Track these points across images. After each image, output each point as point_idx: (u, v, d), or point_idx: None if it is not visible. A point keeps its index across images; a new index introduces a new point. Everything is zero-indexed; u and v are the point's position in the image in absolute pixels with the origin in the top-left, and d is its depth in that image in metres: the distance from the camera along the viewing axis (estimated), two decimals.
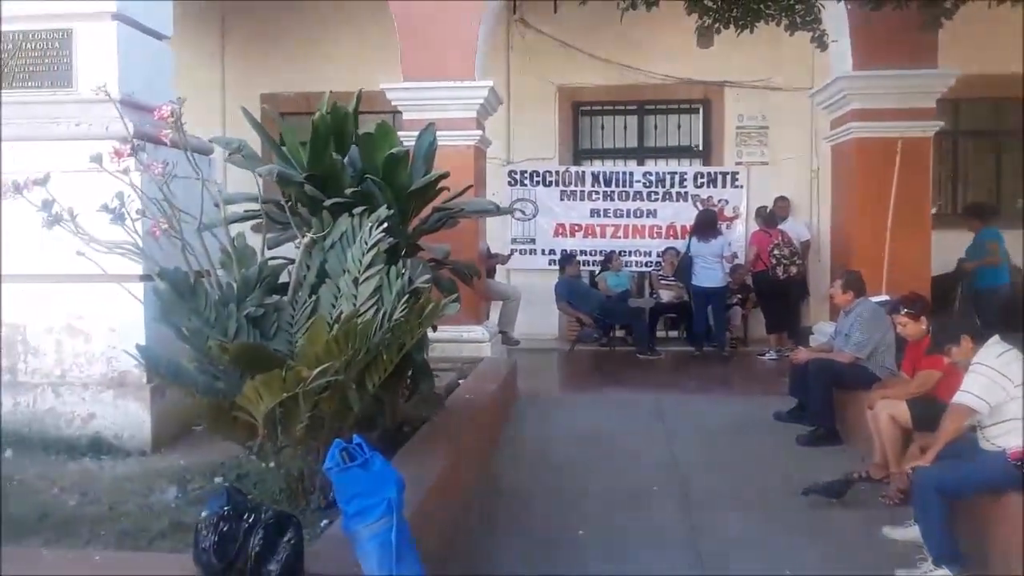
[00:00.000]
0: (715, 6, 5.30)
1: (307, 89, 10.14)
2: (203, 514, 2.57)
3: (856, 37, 6.86)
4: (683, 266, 9.05)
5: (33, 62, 4.66)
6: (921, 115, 6.99)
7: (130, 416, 4.48)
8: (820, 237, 9.83)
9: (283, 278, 4.00)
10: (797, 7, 5.33)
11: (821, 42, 5.69)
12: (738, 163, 10.29)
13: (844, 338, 5.80)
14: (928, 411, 4.53)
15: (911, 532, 4.03)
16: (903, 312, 4.99)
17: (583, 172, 10.51)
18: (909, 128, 6.96)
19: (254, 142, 4.86)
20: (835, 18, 6.73)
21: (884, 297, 6.46)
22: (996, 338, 4.00)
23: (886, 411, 4.75)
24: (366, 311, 3.43)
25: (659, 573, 3.86)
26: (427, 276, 3.70)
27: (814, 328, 8.12)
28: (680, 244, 10.01)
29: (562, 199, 10.50)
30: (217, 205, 3.89)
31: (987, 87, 9.11)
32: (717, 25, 5.47)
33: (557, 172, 10.49)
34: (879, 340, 5.62)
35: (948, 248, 8.59)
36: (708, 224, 9.00)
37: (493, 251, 9.29)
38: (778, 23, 5.52)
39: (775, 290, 8.70)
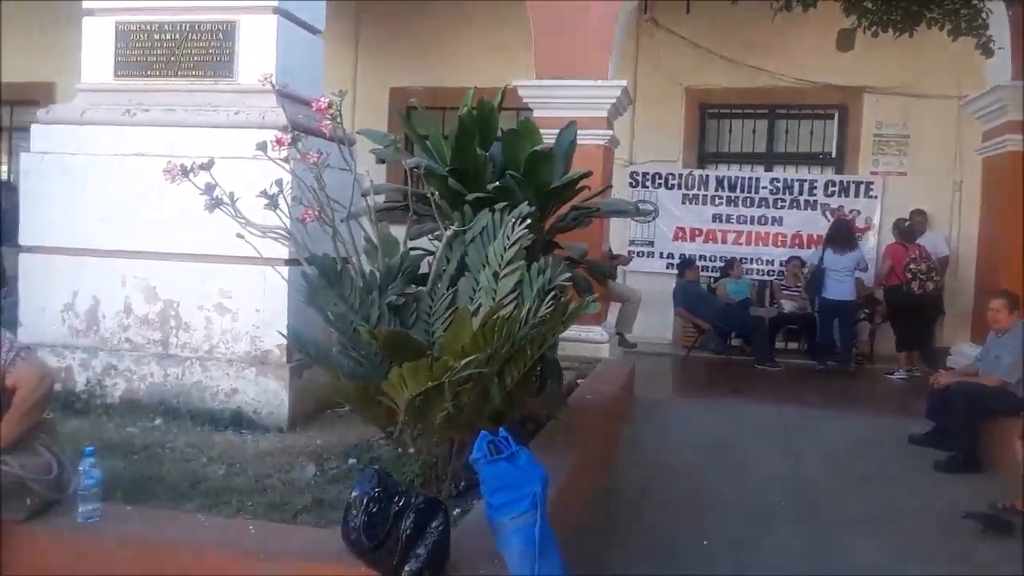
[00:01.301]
0: (875, 7, 5.07)
1: (434, 84, 10.35)
2: (353, 494, 2.63)
3: (1018, 44, 6.45)
4: (815, 278, 8.66)
5: (199, 52, 4.91)
6: None
7: (270, 393, 4.67)
8: (959, 253, 9.31)
9: (423, 269, 4.08)
10: (962, 11, 5.04)
11: (986, 48, 5.37)
12: (873, 172, 9.86)
13: (994, 360, 5.47)
14: None
15: None
16: None
17: (707, 176, 10.30)
18: None
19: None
20: (996, 24, 6.35)
21: None
22: None
23: None
24: (507, 306, 3.45)
25: None
26: (568, 275, 3.69)
27: (952, 350, 7.70)
28: (806, 254, 9.70)
29: (684, 202, 10.32)
30: (364, 195, 4.01)
31: None
32: (875, 28, 5.24)
33: (680, 175, 10.32)
34: None
35: None
36: (844, 235, 8.65)
37: (614, 252, 9.22)
38: (940, 27, 5.24)
39: (909, 306, 8.27)
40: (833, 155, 10.26)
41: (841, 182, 9.94)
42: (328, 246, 3.82)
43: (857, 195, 9.85)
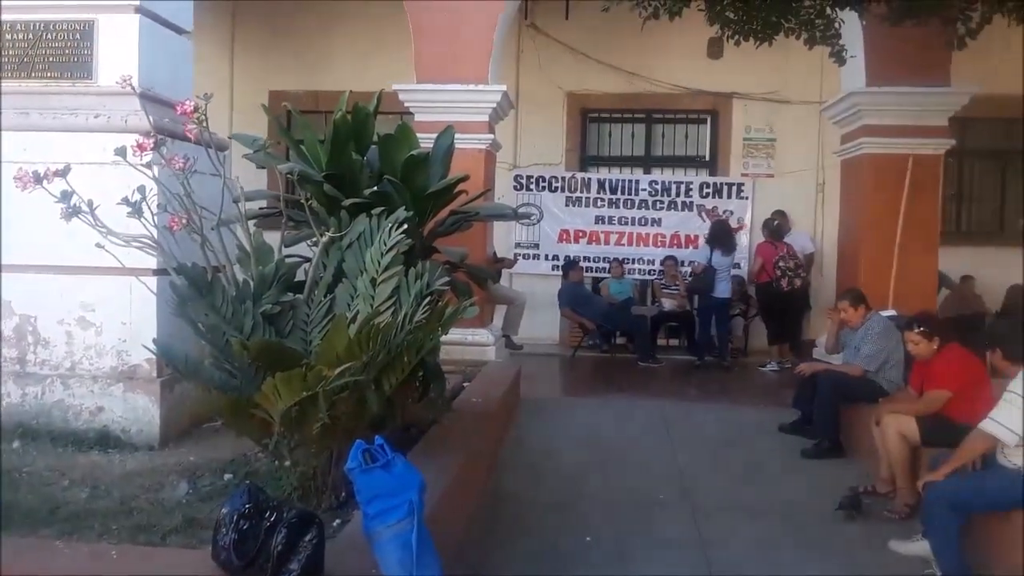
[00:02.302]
0: (736, 18, 5.31)
1: (316, 87, 10.17)
2: (223, 511, 2.56)
3: (870, 53, 6.90)
4: (707, 278, 8.84)
5: (54, 52, 4.64)
6: (933, 133, 7.04)
7: (139, 410, 4.47)
8: (823, 251, 9.86)
9: (299, 277, 3.99)
10: (817, 22, 5.34)
11: (839, 57, 5.71)
12: (744, 174, 10.33)
13: (854, 351, 5.82)
14: (937, 428, 4.55)
15: (917, 547, 4.04)
16: (917, 330, 4.95)
17: (589, 179, 10.53)
18: (921, 145, 7.01)
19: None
20: (850, 33, 6.75)
21: (891, 312, 6.49)
22: None
23: (894, 427, 4.76)
24: (384, 312, 3.42)
25: None
26: (446, 279, 3.69)
27: (817, 341, 8.13)
28: (683, 253, 10.04)
29: (567, 205, 10.52)
30: (236, 201, 3.88)
31: (992, 107, 9.12)
32: (737, 37, 5.48)
33: (563, 178, 10.51)
34: (889, 354, 5.64)
35: (950, 266, 8.65)
36: (728, 235, 9.03)
37: (499, 255, 9.29)
38: (797, 36, 5.54)
39: (778, 302, 8.71)
40: (707, 158, 10.69)
41: (715, 184, 10.36)
42: (198, 255, 3.69)
43: (730, 196, 10.29)
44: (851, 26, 6.74)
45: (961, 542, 3.71)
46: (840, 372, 5.81)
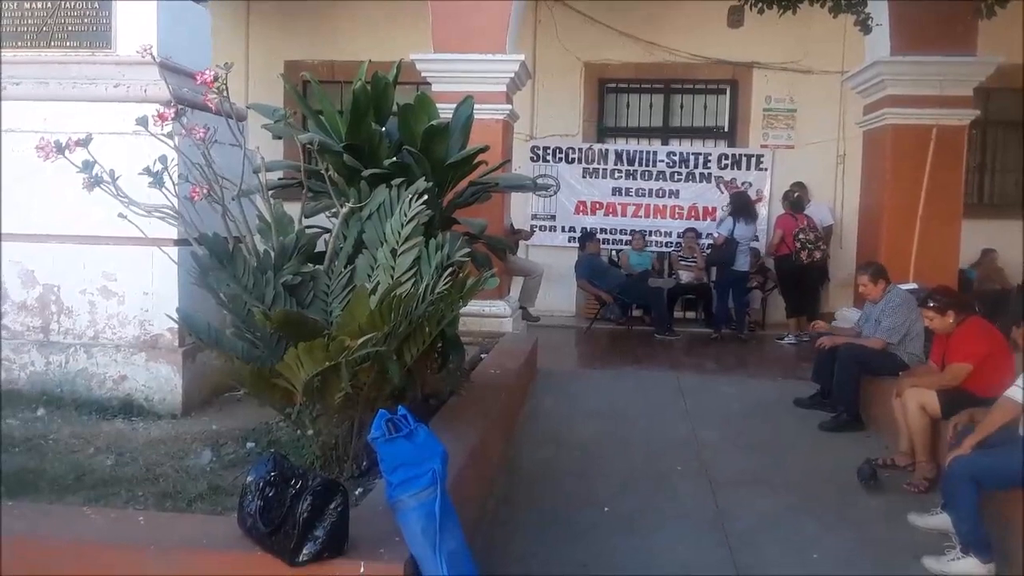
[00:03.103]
0: None
1: (332, 58, 10.12)
2: (248, 479, 2.58)
3: (895, 21, 6.77)
4: (728, 250, 8.80)
5: (72, 22, 4.63)
6: (957, 103, 6.92)
7: (161, 379, 4.51)
8: (843, 223, 9.77)
9: (319, 247, 4.00)
10: None
11: (865, 25, 5.61)
12: (763, 145, 10.22)
13: (874, 324, 5.77)
14: (958, 402, 4.52)
15: (937, 520, 4.05)
16: (930, 306, 4.92)
17: (606, 150, 10.45)
18: (945, 116, 6.90)
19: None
20: (874, 1, 6.63)
21: (912, 285, 6.43)
22: None
23: (915, 400, 4.74)
24: (405, 283, 3.42)
25: (685, 552, 3.88)
26: (466, 250, 3.68)
27: (836, 314, 8.09)
28: (701, 225, 9.98)
29: (584, 176, 10.47)
30: (256, 172, 3.88)
31: (1017, 77, 8.94)
32: (761, 5, 5.39)
33: (580, 149, 10.44)
34: (910, 326, 5.60)
35: (972, 238, 8.54)
36: (750, 205, 8.98)
37: (516, 227, 9.27)
38: (822, 4, 5.44)
39: (797, 275, 8.66)
40: (726, 129, 10.58)
41: (733, 155, 10.26)
42: (219, 225, 3.70)
43: (748, 168, 10.19)
44: None
45: (980, 515, 3.70)
46: (861, 345, 5.78)
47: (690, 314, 9.99)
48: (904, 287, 6.21)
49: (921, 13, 6.49)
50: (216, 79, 3.62)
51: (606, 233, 10.34)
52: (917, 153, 6.90)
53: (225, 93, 3.65)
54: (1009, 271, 9.32)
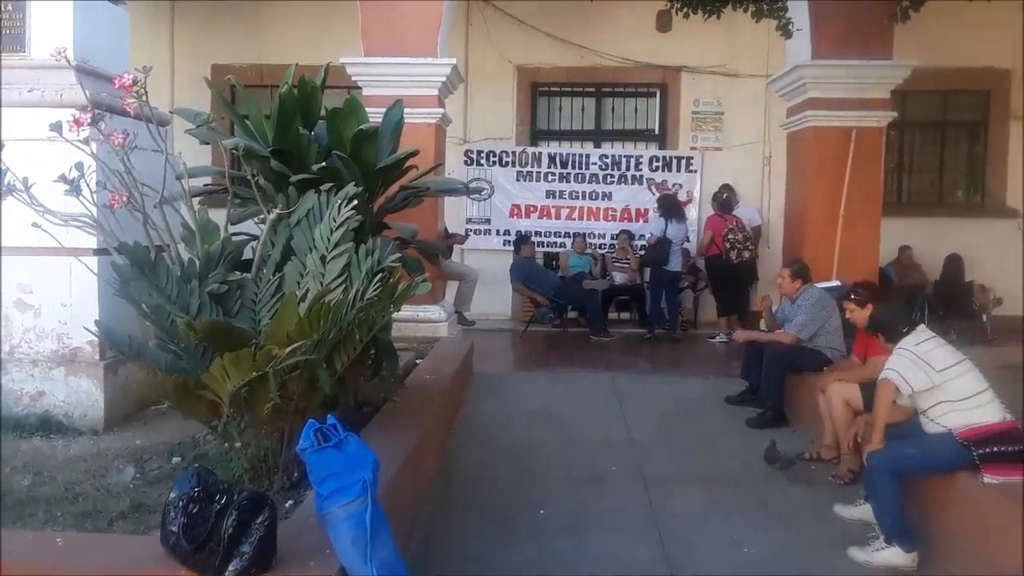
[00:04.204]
0: None
1: (261, 61, 9.94)
2: (171, 495, 2.51)
3: (816, 26, 6.96)
4: (662, 251, 8.93)
5: None
6: (876, 105, 7.15)
7: (81, 394, 4.38)
8: (770, 223, 10.02)
9: (246, 255, 3.92)
10: None
11: (786, 30, 5.76)
12: (693, 148, 10.40)
13: (790, 322, 5.95)
14: None
15: (860, 511, 4.18)
16: (852, 298, 5.12)
17: (540, 153, 10.50)
18: (864, 118, 7.12)
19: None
20: (795, 6, 6.81)
21: (835, 283, 6.63)
22: (922, 327, 4.20)
23: (838, 394, 4.89)
24: (335, 289, 3.38)
25: (620, 551, 3.92)
26: (397, 255, 3.65)
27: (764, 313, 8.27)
28: (634, 227, 10.12)
29: (518, 180, 10.50)
30: (179, 178, 3.79)
31: (932, 80, 9.32)
32: (686, 10, 5.49)
33: (514, 152, 10.47)
34: (822, 323, 5.80)
35: (891, 236, 8.86)
36: (678, 208, 9.14)
37: (450, 231, 9.24)
38: (745, 9, 5.57)
39: (727, 274, 8.84)
40: (656, 131, 10.73)
41: (664, 157, 10.42)
42: (140, 234, 3.60)
43: (679, 170, 10.36)
44: None
45: (901, 505, 3.83)
46: (775, 340, 5.94)
47: (624, 315, 10.10)
48: (827, 285, 6.41)
49: (840, 17, 6.70)
50: (135, 83, 3.52)
51: (541, 236, 10.39)
52: (838, 154, 7.12)
53: (144, 97, 3.55)
54: (926, 267, 9.68)
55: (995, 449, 3.69)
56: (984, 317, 9.06)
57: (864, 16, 6.07)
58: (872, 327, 4.55)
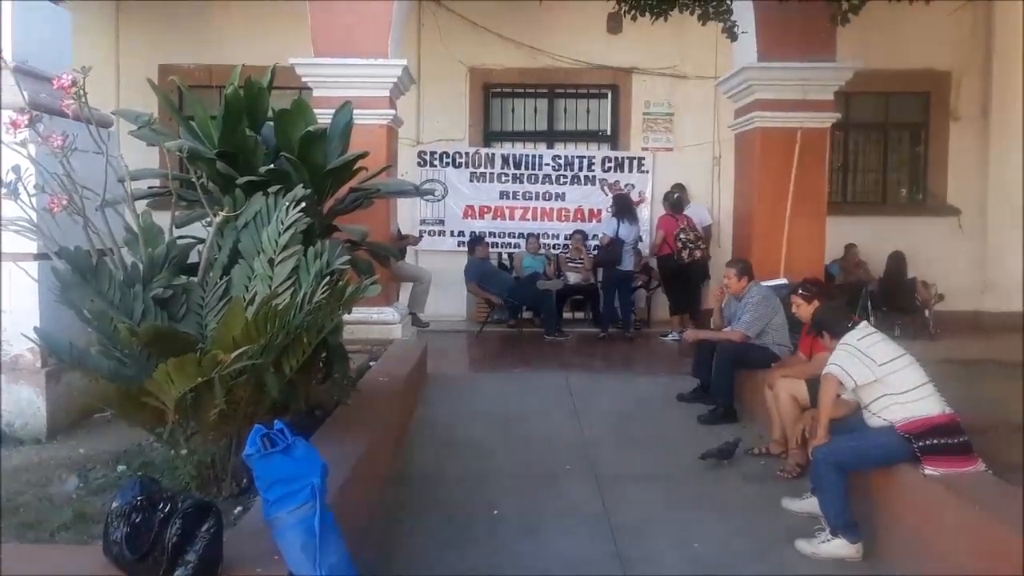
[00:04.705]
0: None
1: (210, 61, 9.78)
2: (114, 504, 2.47)
3: (761, 28, 7.09)
4: (615, 251, 9.04)
5: None
6: (820, 107, 7.31)
7: (23, 403, 4.27)
8: (720, 222, 10.17)
9: (192, 258, 3.86)
10: None
11: (731, 33, 5.86)
12: (644, 148, 10.52)
13: (737, 320, 6.05)
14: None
15: (807, 504, 4.27)
16: (799, 294, 5.24)
17: (493, 154, 10.53)
18: (808, 119, 7.27)
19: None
20: (741, 9, 6.93)
21: (783, 280, 6.76)
22: (864, 323, 4.33)
23: (786, 390, 4.99)
24: (283, 293, 3.35)
25: (573, 549, 3.95)
26: (346, 258, 3.63)
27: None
28: (586, 227, 10.19)
29: (472, 181, 10.51)
30: (121, 181, 3.72)
31: (875, 82, 9.57)
32: (633, 12, 5.56)
33: (467, 154, 10.48)
34: (768, 320, 5.92)
35: (837, 235, 9.05)
36: (631, 208, 9.23)
37: (404, 232, 9.21)
38: (691, 12, 5.65)
39: (679, 273, 8.96)
40: (608, 132, 10.82)
41: (616, 158, 10.52)
42: (81, 238, 3.51)
43: (631, 170, 10.47)
44: (743, 2, 6.92)
45: (846, 498, 3.92)
46: (724, 338, 6.04)
47: (579, 314, 10.17)
48: (775, 283, 6.53)
49: (784, 20, 6.82)
50: (74, 83, 3.45)
51: (495, 237, 10.41)
52: (784, 155, 7.26)
53: (84, 98, 3.48)
54: (871, 265, 9.92)
55: (935, 441, 3.79)
56: (927, 312, 9.33)
57: (807, 19, 6.20)
58: (815, 327, 4.65)
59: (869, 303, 9.07)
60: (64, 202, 3.44)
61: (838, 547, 3.87)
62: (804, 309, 5.16)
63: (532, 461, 5.13)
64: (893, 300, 9.43)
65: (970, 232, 10.34)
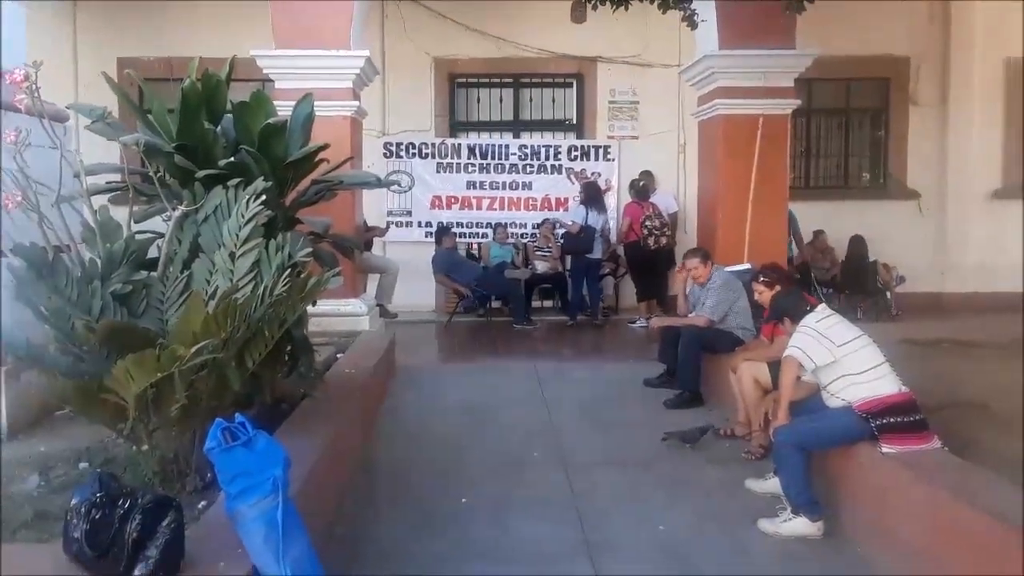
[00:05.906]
0: None
1: (169, 54, 9.63)
2: (73, 501, 2.45)
3: (721, 17, 7.15)
4: (586, 238, 9.10)
5: None
6: (781, 93, 7.39)
7: None
8: (685, 209, 10.25)
9: (152, 253, 3.82)
10: None
11: (691, 21, 5.91)
12: (610, 136, 10.56)
13: (701, 305, 6.13)
14: None
15: (771, 484, 4.34)
16: (760, 280, 5.31)
17: (459, 145, 10.51)
18: (770, 106, 7.35)
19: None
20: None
21: (747, 266, 6.85)
22: (822, 306, 4.42)
23: (749, 373, 5.06)
24: (244, 287, 3.33)
25: (541, 535, 3.98)
26: (307, 250, 3.62)
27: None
28: (557, 215, 10.22)
29: (438, 171, 10.49)
30: (77, 176, 3.67)
31: (835, 68, 9.69)
32: (594, 1, 5.58)
33: (433, 144, 10.46)
34: (731, 304, 6.01)
35: (801, 220, 9.19)
36: (599, 196, 9.27)
37: (370, 224, 9.18)
38: (651, 1, 5.68)
39: (646, 260, 9.03)
40: (574, 121, 10.85)
41: (582, 146, 10.55)
42: (37, 234, 3.47)
43: (597, 159, 10.51)
44: None
45: (807, 478, 4.00)
46: (689, 324, 6.12)
47: (547, 303, 10.22)
48: (739, 268, 6.61)
49: (744, 8, 6.89)
50: (26, 78, 3.41)
51: (462, 227, 10.41)
52: (746, 141, 7.34)
53: (37, 93, 3.43)
54: (839, 250, 10.06)
55: (892, 420, 3.87)
56: (888, 294, 9.50)
57: (766, 7, 6.26)
58: (775, 313, 4.72)
59: (830, 288, 9.25)
60: (19, 198, 3.40)
61: (800, 526, 3.94)
62: (766, 295, 5.23)
63: (501, 450, 5.16)
64: (855, 283, 9.59)
65: (930, 215, 10.53)
